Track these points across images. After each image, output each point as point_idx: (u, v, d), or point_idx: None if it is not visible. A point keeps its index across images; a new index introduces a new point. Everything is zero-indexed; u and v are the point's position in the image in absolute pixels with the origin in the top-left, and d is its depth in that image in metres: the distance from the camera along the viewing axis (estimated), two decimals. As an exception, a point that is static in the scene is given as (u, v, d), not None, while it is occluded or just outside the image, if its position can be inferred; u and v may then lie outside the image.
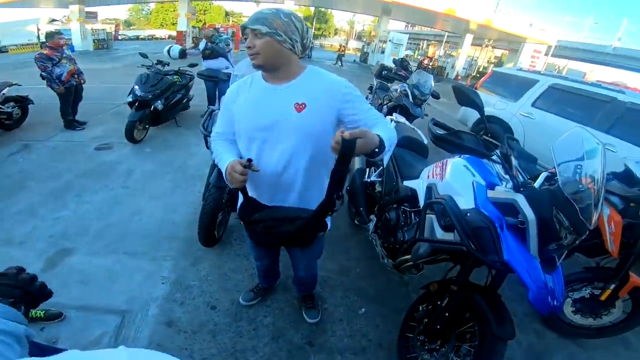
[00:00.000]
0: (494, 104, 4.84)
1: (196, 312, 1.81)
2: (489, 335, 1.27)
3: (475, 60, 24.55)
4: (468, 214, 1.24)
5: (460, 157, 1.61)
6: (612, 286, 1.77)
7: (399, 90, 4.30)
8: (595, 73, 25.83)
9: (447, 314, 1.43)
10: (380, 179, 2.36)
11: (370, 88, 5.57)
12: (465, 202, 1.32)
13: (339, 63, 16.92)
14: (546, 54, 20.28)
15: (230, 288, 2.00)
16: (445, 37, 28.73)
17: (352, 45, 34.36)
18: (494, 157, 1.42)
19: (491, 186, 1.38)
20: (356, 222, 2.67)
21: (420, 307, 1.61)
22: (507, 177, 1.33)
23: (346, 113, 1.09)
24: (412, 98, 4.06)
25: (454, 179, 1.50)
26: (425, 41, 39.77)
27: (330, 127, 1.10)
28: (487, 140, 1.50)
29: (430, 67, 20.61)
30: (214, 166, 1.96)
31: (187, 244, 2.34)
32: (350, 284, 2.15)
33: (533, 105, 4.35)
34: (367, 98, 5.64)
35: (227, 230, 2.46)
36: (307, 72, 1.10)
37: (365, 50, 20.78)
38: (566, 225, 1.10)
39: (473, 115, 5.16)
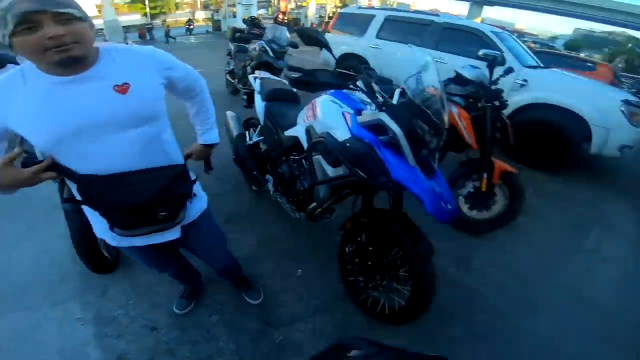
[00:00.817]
0: (348, 42, 5.22)
1: (140, 339, 1.58)
2: (412, 257, 1.36)
3: (324, 6, 25.68)
4: (348, 144, 1.28)
5: (325, 93, 1.62)
6: (485, 175, 2.19)
7: (257, 48, 4.16)
8: (417, 3, 30.67)
9: (370, 248, 1.51)
10: (262, 138, 2.29)
11: (230, 53, 5.12)
12: (342, 133, 1.36)
13: (168, 39, 15.00)
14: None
15: (160, 302, 1.74)
16: (292, -12, 29.01)
17: (200, 16, 31.18)
18: (358, 84, 1.45)
19: (359, 112, 1.44)
20: (254, 188, 2.58)
21: (347, 249, 1.66)
22: (369, 101, 1.37)
23: (175, 78, 1.03)
24: (272, 52, 3.98)
25: (325, 116, 1.51)
26: None
27: (161, 99, 0.97)
28: (343, 72, 1.53)
29: (286, 20, 20.77)
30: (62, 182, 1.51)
31: (83, 277, 1.89)
32: (277, 251, 2.09)
33: (377, 37, 4.84)
34: (228, 64, 5.19)
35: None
36: (104, 51, 0.89)
37: (216, 18, 19.09)
38: (427, 130, 1.21)
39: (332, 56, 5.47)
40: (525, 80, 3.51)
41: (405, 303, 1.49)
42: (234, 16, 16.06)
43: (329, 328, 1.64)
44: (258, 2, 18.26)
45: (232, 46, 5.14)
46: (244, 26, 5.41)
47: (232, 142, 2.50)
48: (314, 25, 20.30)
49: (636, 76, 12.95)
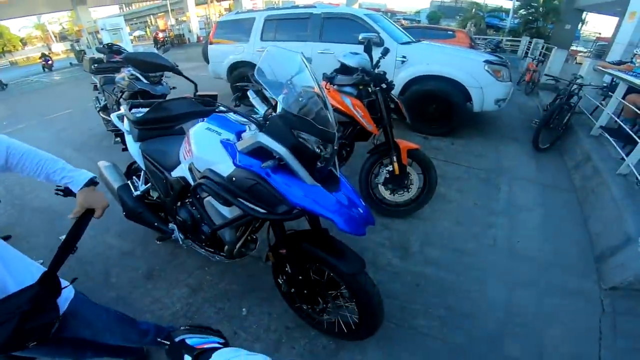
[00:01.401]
0: (234, 51, 4.93)
1: None
2: (343, 276, 1.24)
3: (209, 17, 24.52)
4: (234, 179, 1.12)
5: (200, 121, 1.36)
6: (394, 157, 2.20)
7: (125, 77, 3.54)
8: None
9: (300, 277, 1.35)
10: (149, 185, 1.90)
11: (96, 87, 4.32)
12: (225, 167, 1.16)
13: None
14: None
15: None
16: (169, 5, 26.94)
17: (59, 48, 26.62)
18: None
19: (240, 136, 1.22)
20: (157, 242, 2.16)
21: (279, 280, 1.52)
22: (246, 120, 1.16)
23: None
24: (146, 78, 3.44)
25: (202, 150, 1.28)
26: (151, 16, 36.14)
27: None
28: (205, 95, 1.28)
29: (168, 38, 19.10)
30: None
31: None
32: (213, 296, 1.84)
33: (262, 40, 4.65)
34: (97, 100, 4.39)
35: None
36: None
37: (78, 48, 16.39)
38: (314, 140, 1.07)
39: (221, 67, 5.12)
40: (405, 57, 3.77)
41: (358, 319, 1.40)
42: (101, 44, 13.95)
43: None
44: (133, 23, 16.35)
45: (96, 79, 4.37)
46: (101, 55, 4.61)
47: (116, 197, 2.03)
48: (202, 39, 19.13)
49: (486, 37, 15.67)
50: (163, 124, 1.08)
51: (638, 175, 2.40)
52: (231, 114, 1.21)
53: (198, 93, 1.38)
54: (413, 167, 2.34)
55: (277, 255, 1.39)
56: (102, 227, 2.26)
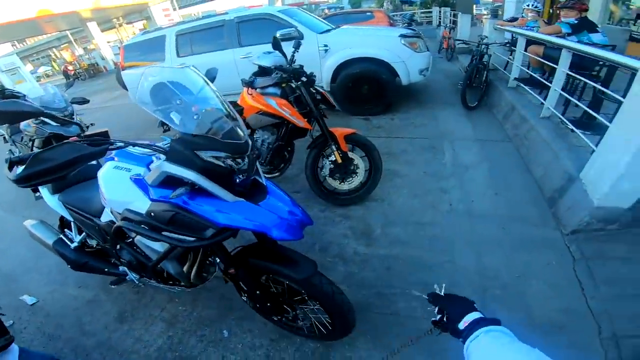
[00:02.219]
0: (152, 72, 4.54)
1: None
2: (297, 282, 1.21)
3: (122, 41, 22.63)
4: (152, 214, 1.06)
5: (106, 160, 1.23)
6: (333, 146, 2.17)
7: (31, 123, 3.13)
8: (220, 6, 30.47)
9: (257, 292, 1.30)
10: (84, 234, 1.79)
11: (5, 139, 3.73)
12: (142, 202, 1.08)
13: None
14: (175, 9, 21.35)
15: None
16: (69, 35, 24.19)
17: None
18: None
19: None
20: (112, 286, 1.93)
21: (242, 297, 1.47)
22: (149, 150, 1.03)
23: None
24: (54, 120, 3.02)
25: (113, 192, 1.17)
26: (54, 48, 32.36)
27: None
28: (92, 135, 1.12)
29: (79, 70, 17.27)
30: None
31: None
32: (191, 325, 1.75)
33: (179, 56, 4.35)
34: (10, 152, 3.77)
35: None
36: None
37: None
38: (224, 155, 1.00)
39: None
40: (326, 45, 3.78)
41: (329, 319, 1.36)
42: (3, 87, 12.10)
43: (290, 368, 1.45)
44: (35, 59, 14.50)
45: (2, 130, 3.77)
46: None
47: (55, 253, 1.83)
48: (119, 65, 17.49)
49: (402, 12, 16.52)
50: (47, 177, 0.90)
51: (560, 116, 2.60)
52: (130, 147, 1.07)
53: (85, 133, 1.20)
54: (356, 152, 2.33)
55: (229, 275, 1.31)
56: (59, 281, 2.15)
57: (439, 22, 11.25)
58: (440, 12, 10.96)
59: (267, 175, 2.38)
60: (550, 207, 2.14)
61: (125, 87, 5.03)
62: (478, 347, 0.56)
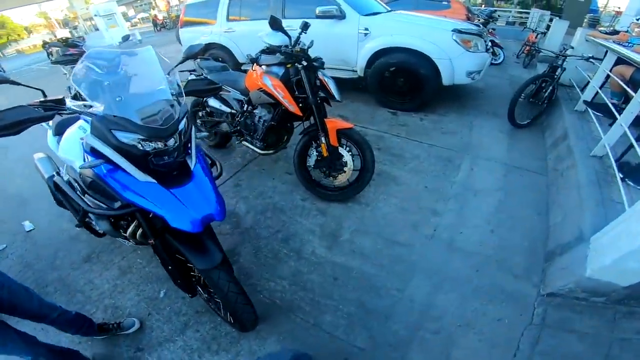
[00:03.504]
0: (205, 32, 4.76)
1: None
2: (198, 270, 1.24)
3: None
4: (80, 175, 1.17)
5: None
6: (322, 138, 2.06)
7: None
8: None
9: (169, 267, 1.34)
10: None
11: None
12: (78, 164, 1.17)
13: None
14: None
15: None
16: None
17: (64, 34, 26.92)
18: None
19: None
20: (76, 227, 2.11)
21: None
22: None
23: None
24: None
25: (65, 149, 1.29)
26: None
27: None
28: (48, 101, 1.18)
29: (168, 20, 18.79)
30: None
31: None
32: (139, 277, 1.91)
33: (228, 20, 4.45)
34: (68, 89, 4.33)
35: None
36: None
37: (77, 35, 16.49)
38: (143, 137, 1.04)
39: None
40: (367, 29, 3.49)
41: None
42: (97, 29, 13.90)
43: (197, 343, 1.54)
44: (138, 5, 16.09)
45: (65, 70, 4.36)
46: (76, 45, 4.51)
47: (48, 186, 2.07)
48: (179, 22, 18.57)
49: (484, 8, 14.33)
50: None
51: (612, 158, 2.07)
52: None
53: (42, 99, 1.30)
54: (349, 148, 2.18)
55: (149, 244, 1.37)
56: (58, 213, 2.33)
57: (523, 24, 9.68)
58: (535, 14, 9.44)
59: (261, 152, 2.39)
60: (545, 262, 1.81)
61: (180, 43, 5.38)
62: None
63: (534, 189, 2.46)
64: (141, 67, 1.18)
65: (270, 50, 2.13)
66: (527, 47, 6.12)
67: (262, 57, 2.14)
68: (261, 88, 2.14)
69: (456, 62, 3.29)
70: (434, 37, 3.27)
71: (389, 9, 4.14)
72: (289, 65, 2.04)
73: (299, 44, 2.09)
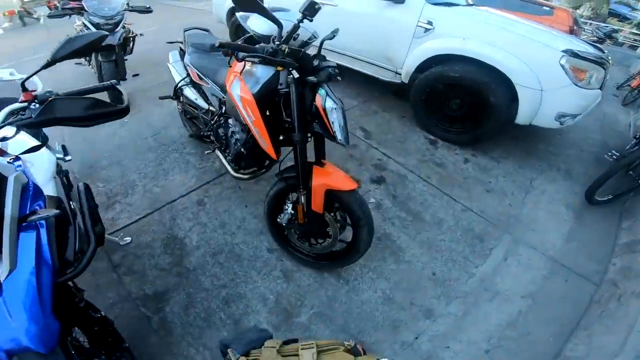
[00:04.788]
0: None
1: None
2: None
3: None
4: None
5: None
6: (301, 198, 1.41)
7: (76, 29, 3.33)
8: None
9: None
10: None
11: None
12: None
13: None
14: None
15: None
16: None
17: None
18: None
19: None
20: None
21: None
22: None
23: None
24: (97, 28, 2.96)
25: None
26: None
27: None
28: None
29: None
30: None
31: None
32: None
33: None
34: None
35: None
36: None
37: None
38: None
39: (222, 10, 4.30)
40: (431, 22, 2.58)
41: None
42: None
43: None
44: None
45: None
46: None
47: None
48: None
49: (601, 24, 11.25)
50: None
51: None
52: None
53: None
54: (339, 214, 1.56)
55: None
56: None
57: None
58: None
59: (232, 173, 1.86)
60: None
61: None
62: None
63: (573, 302, 1.77)
64: None
65: (255, 41, 1.47)
66: (637, 81, 4.67)
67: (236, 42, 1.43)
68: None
69: (550, 97, 2.32)
70: (531, 54, 2.29)
71: (471, 3, 3.11)
72: (280, 68, 1.32)
73: (295, 36, 1.29)
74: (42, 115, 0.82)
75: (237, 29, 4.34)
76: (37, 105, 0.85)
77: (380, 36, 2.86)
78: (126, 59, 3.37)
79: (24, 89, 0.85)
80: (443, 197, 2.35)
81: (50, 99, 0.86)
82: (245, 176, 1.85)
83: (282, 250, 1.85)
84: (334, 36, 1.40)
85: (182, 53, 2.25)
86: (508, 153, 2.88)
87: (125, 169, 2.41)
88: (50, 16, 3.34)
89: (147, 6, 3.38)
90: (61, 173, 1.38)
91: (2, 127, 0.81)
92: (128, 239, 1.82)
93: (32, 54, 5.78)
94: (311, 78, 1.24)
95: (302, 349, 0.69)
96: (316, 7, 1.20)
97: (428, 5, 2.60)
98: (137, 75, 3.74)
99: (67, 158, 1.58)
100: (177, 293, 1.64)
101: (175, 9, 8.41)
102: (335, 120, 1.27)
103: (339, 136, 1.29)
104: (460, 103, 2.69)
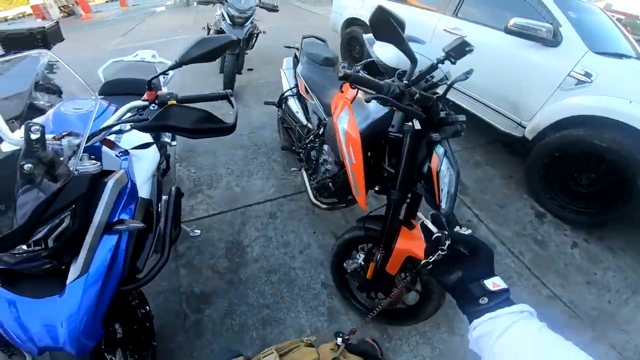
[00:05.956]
0: (354, 5, 4.05)
1: None
2: None
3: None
4: None
5: None
6: (379, 255, 1.23)
7: (216, 17, 3.58)
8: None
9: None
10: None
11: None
12: None
13: None
14: None
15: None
16: None
17: None
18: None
19: None
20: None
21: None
22: None
23: None
24: (230, 19, 3.21)
25: None
26: None
27: None
28: None
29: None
30: None
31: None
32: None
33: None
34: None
35: None
36: None
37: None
38: None
39: (339, 20, 4.34)
40: (590, 75, 2.04)
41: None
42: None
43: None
44: None
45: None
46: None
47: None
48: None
49: None
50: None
51: None
52: None
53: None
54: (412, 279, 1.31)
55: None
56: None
57: None
58: None
59: (312, 199, 1.77)
60: None
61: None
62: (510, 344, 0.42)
63: None
64: None
65: (374, 70, 1.30)
66: None
67: (360, 74, 1.26)
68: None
69: None
70: None
71: (635, 55, 2.42)
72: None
73: (429, 78, 1.06)
74: (156, 121, 0.81)
75: (349, 41, 4.35)
76: (156, 107, 0.84)
77: (513, 79, 2.44)
78: (246, 54, 3.64)
79: (149, 87, 0.85)
80: (531, 279, 1.86)
81: (169, 102, 0.84)
82: (324, 205, 1.74)
83: (335, 289, 1.67)
84: (467, 77, 1.13)
85: (296, 61, 2.27)
86: (629, 246, 2.12)
87: (217, 161, 2.57)
88: (199, 3, 3.84)
89: (275, 5, 3.58)
90: (164, 156, 1.47)
91: (119, 124, 0.82)
92: (198, 231, 1.89)
93: (179, 33, 6.84)
94: (435, 135, 1.01)
95: (263, 357, 0.72)
96: (467, 49, 0.95)
97: (591, 54, 2.08)
98: (251, 69, 4.05)
99: (173, 143, 1.70)
100: (221, 300, 1.62)
101: (299, 11, 8.97)
102: (445, 186, 1.00)
103: (444, 206, 1.01)
104: (595, 178, 2.09)
